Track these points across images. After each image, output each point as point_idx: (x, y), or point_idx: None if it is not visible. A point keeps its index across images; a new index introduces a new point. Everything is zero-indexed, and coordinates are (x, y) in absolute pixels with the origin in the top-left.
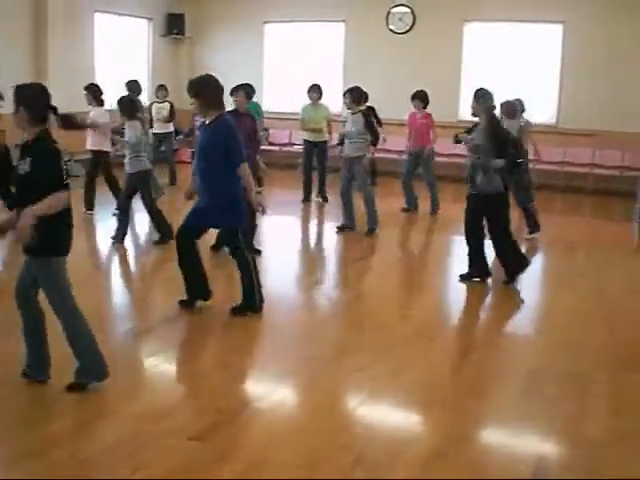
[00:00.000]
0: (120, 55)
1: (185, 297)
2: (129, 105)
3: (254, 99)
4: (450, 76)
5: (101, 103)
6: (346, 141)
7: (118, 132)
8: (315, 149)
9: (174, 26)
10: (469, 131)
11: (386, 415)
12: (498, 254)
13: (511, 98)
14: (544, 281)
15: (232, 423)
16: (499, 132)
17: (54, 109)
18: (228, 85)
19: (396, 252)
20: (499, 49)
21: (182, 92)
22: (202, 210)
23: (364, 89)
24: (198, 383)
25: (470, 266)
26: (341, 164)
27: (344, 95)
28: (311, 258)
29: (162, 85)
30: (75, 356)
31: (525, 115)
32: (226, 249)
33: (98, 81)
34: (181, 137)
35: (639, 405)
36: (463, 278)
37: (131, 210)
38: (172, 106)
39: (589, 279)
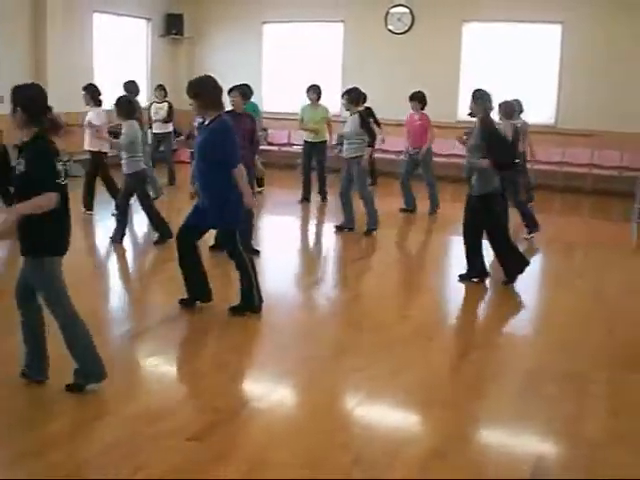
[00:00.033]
0: (119, 55)
1: (186, 296)
2: (127, 105)
3: (252, 99)
4: (449, 76)
5: (99, 103)
6: (344, 142)
7: (116, 133)
8: (314, 149)
9: (173, 26)
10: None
11: (384, 415)
12: (496, 255)
13: (509, 98)
14: (543, 281)
15: (231, 423)
16: (491, 133)
17: (49, 110)
18: (227, 85)
19: (395, 252)
20: (498, 49)
21: (181, 92)
22: (201, 210)
23: (363, 89)
24: (197, 383)
25: (468, 266)
26: (341, 164)
27: (342, 96)
28: (310, 258)
29: (160, 85)
30: (73, 357)
31: (523, 116)
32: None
33: (97, 81)
34: (182, 138)
35: (638, 405)
36: (462, 278)
37: (130, 210)
38: (170, 106)
39: (588, 279)
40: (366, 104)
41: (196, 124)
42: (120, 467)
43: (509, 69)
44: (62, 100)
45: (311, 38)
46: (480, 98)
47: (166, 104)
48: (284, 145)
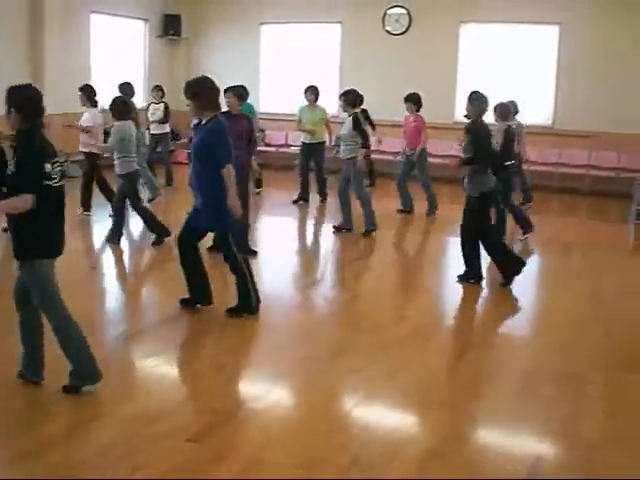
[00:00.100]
0: (116, 56)
1: (186, 295)
2: (122, 106)
3: (250, 100)
4: (446, 77)
5: (94, 104)
6: (341, 143)
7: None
8: (312, 150)
9: (170, 27)
10: None
11: (382, 416)
12: (490, 256)
13: (506, 100)
14: (540, 282)
15: (229, 424)
16: (478, 135)
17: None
18: (225, 86)
19: (392, 253)
20: (495, 50)
21: (178, 93)
22: (198, 212)
23: (360, 90)
24: (195, 384)
25: (466, 267)
26: (339, 165)
27: (340, 97)
28: (308, 259)
29: (158, 86)
30: (67, 359)
31: (518, 117)
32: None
33: (94, 82)
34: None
35: (635, 406)
36: (461, 278)
37: (126, 211)
38: (166, 107)
39: (585, 280)
40: (363, 105)
41: (192, 125)
42: (118, 467)
43: (506, 70)
44: (60, 101)
45: (309, 39)
46: (476, 100)
47: (163, 105)
48: (281, 146)
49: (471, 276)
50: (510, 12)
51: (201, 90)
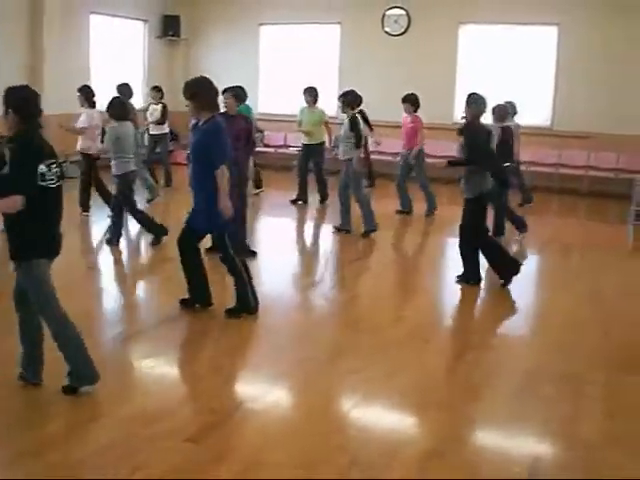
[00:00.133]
0: (115, 57)
1: (186, 296)
2: (119, 107)
3: (249, 101)
4: (445, 78)
5: (92, 105)
6: (339, 144)
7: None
8: (311, 151)
9: (169, 28)
10: None
11: (381, 417)
12: (485, 258)
13: (503, 101)
14: (539, 283)
15: (227, 425)
16: (472, 137)
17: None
18: (223, 87)
19: (391, 254)
20: (494, 51)
21: (177, 94)
22: (195, 212)
23: (360, 91)
24: (193, 385)
25: (464, 268)
26: (338, 166)
27: (339, 98)
28: (307, 259)
29: (156, 86)
30: (65, 359)
31: (516, 118)
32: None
33: (94, 83)
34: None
35: (634, 407)
36: (460, 279)
37: (125, 212)
38: (164, 107)
39: (584, 281)
40: (362, 106)
41: (191, 125)
42: (118, 467)
43: (505, 71)
44: (59, 101)
45: (308, 40)
46: (474, 102)
47: (160, 105)
48: (280, 147)
49: (470, 277)
50: (509, 13)
51: (199, 91)
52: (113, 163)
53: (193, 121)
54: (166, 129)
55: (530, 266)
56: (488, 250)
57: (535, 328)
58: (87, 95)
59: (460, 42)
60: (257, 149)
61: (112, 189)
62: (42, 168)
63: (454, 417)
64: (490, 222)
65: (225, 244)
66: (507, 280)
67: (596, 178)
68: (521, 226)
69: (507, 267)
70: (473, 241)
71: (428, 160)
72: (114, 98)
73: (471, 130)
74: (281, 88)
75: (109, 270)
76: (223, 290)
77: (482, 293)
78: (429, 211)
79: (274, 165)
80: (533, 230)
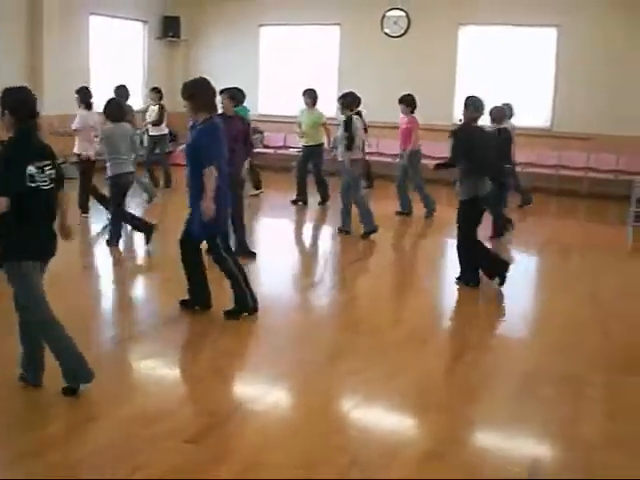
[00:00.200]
0: (115, 58)
1: (186, 297)
2: (116, 109)
3: (249, 101)
4: (445, 79)
5: (88, 106)
6: (338, 145)
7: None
8: (311, 153)
9: (169, 29)
10: None
11: (381, 418)
12: (473, 260)
13: (501, 103)
14: (539, 284)
15: (227, 425)
16: (462, 139)
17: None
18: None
19: (390, 255)
20: (494, 53)
21: (177, 95)
22: (190, 217)
23: (359, 92)
24: (192, 386)
25: (461, 269)
26: (336, 167)
27: (338, 100)
28: (306, 260)
29: (155, 88)
30: (58, 361)
31: (513, 120)
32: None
33: (93, 84)
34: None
35: (634, 408)
36: (459, 280)
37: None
38: (161, 108)
39: (584, 282)
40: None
41: (189, 126)
42: (118, 467)
43: (505, 72)
44: (58, 102)
45: (308, 41)
46: (472, 105)
47: (158, 107)
48: (280, 148)
49: (469, 279)
50: (509, 14)
51: (197, 91)
52: (107, 164)
53: (191, 122)
54: (165, 130)
55: (530, 267)
56: (476, 252)
57: (535, 329)
58: (84, 96)
59: (460, 43)
60: (256, 150)
61: (106, 191)
62: (31, 169)
63: (454, 418)
64: (490, 221)
65: (217, 246)
66: (502, 280)
67: (596, 179)
68: (500, 228)
69: (496, 269)
70: (463, 241)
71: (427, 162)
72: (111, 99)
73: (468, 132)
74: (281, 89)
75: (109, 271)
76: (222, 291)
77: (481, 294)
78: (428, 212)
79: (274, 166)
80: (533, 231)
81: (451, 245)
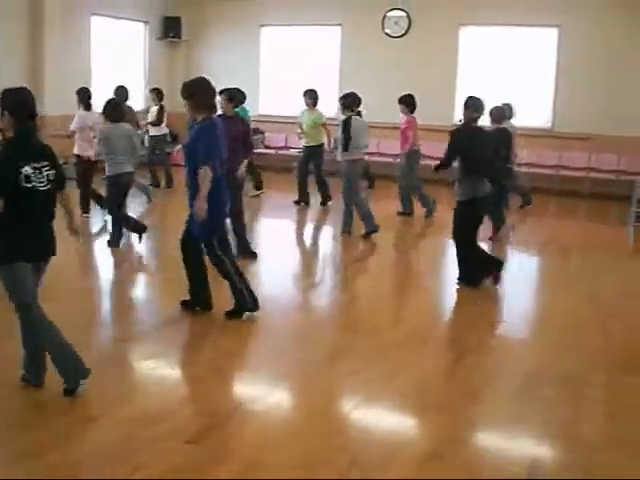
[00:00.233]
0: (116, 58)
1: (187, 297)
2: (114, 109)
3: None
4: (446, 80)
5: (87, 107)
6: (338, 146)
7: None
8: (311, 153)
9: (170, 29)
10: None
11: (381, 418)
12: (469, 260)
13: (501, 103)
14: (539, 284)
15: (227, 426)
16: (451, 141)
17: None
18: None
19: (391, 255)
20: (495, 53)
21: (178, 95)
22: (190, 217)
23: (360, 93)
24: (193, 386)
25: (460, 270)
26: (336, 168)
27: (339, 100)
28: (307, 261)
29: (155, 88)
30: (53, 361)
31: (513, 120)
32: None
33: (94, 84)
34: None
35: (634, 408)
36: (460, 281)
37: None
38: (161, 109)
39: (584, 282)
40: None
41: (189, 126)
42: (118, 467)
43: (506, 73)
44: (59, 102)
45: (309, 41)
46: (472, 106)
47: (157, 107)
48: (281, 148)
49: (469, 279)
50: (509, 15)
51: (197, 91)
52: (106, 165)
53: (191, 122)
54: (165, 130)
55: (530, 268)
56: (471, 253)
57: (535, 330)
58: (83, 97)
59: (460, 44)
60: (257, 150)
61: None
62: (27, 170)
63: (454, 419)
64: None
65: (213, 246)
66: (495, 279)
67: (597, 180)
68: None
69: (491, 269)
70: (459, 241)
71: (428, 162)
72: (110, 100)
73: (464, 132)
74: (282, 89)
75: (110, 271)
76: (223, 291)
77: (481, 295)
78: (427, 212)
79: (275, 166)
80: (533, 231)
81: (451, 245)
